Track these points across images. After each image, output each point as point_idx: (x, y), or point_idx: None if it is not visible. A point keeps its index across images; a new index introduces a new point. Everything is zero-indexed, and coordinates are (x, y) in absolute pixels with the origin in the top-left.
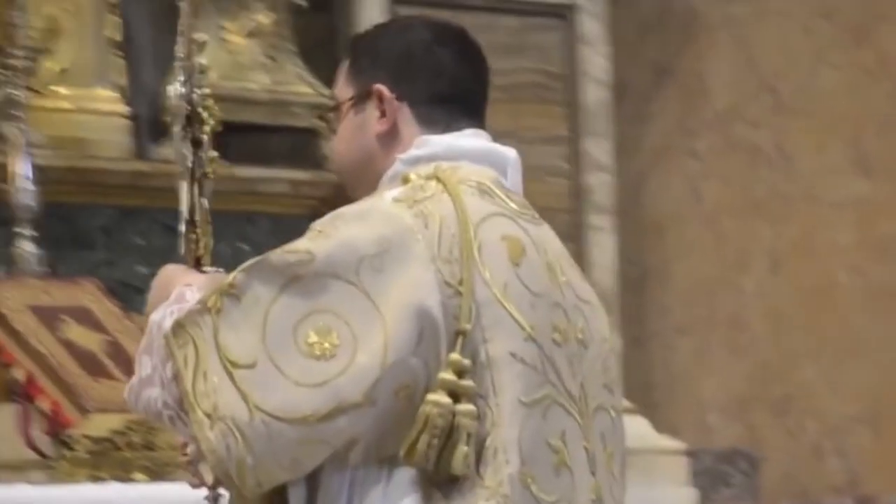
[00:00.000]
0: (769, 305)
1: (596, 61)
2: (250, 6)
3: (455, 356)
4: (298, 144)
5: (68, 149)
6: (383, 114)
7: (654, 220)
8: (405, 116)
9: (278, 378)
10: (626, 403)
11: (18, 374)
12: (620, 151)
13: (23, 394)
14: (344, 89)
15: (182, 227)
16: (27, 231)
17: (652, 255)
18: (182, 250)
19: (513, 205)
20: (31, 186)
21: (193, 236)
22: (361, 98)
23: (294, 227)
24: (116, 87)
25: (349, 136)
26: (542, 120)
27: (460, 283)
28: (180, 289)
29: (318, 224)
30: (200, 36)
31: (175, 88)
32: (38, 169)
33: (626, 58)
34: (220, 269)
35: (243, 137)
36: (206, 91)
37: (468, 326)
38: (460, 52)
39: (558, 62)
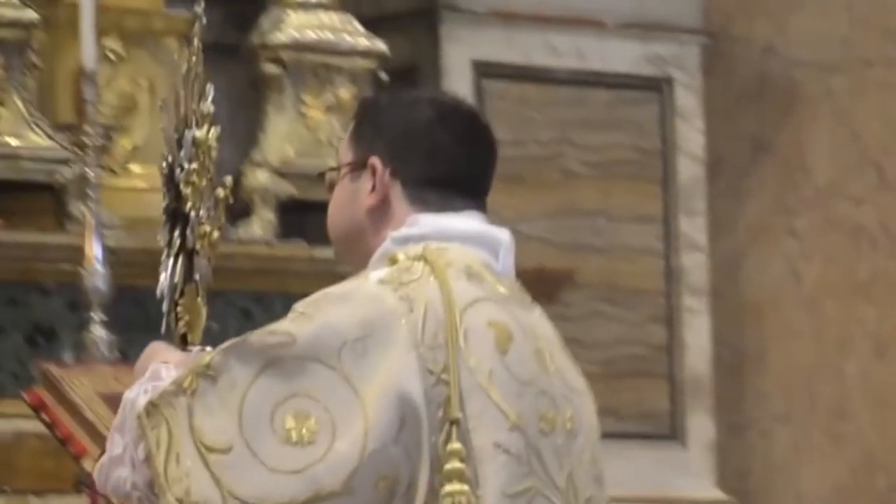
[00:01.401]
0: (873, 392)
1: (691, 136)
2: (331, 80)
3: (455, 446)
4: None
5: (141, 229)
6: (374, 188)
7: (751, 301)
8: (397, 194)
9: (254, 464)
10: (721, 494)
11: (88, 466)
12: (716, 230)
13: (92, 485)
14: (345, 152)
15: (165, 305)
16: (98, 315)
17: (749, 339)
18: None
19: (502, 289)
20: (102, 269)
21: (175, 314)
22: (357, 166)
23: None
24: None
25: (342, 203)
26: (635, 197)
27: (443, 370)
28: (156, 366)
29: (300, 305)
30: (206, 107)
31: (161, 164)
32: (109, 251)
33: (721, 131)
34: (207, 348)
35: (323, 217)
36: (194, 167)
37: (459, 415)
38: (463, 133)
39: (652, 137)
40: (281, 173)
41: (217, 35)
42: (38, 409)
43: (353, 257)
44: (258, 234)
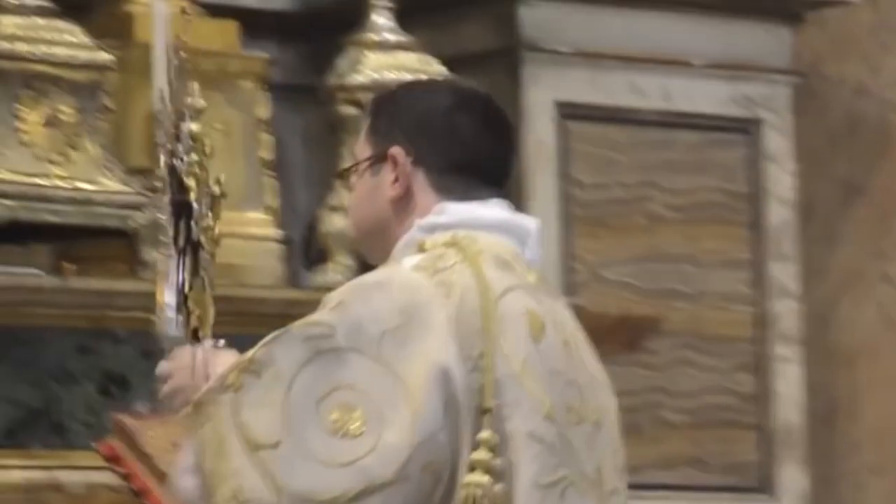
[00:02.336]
0: None
1: (781, 179)
2: None
3: (487, 434)
4: None
5: (217, 276)
6: (397, 178)
7: (845, 350)
8: (420, 182)
9: (303, 458)
10: None
11: None
12: (808, 276)
13: None
14: (363, 148)
15: (173, 301)
16: None
17: (842, 389)
18: (171, 327)
19: (531, 278)
20: (175, 316)
21: (186, 308)
22: (377, 160)
23: None
24: (268, 209)
25: (363, 198)
26: (723, 242)
27: (480, 357)
28: (221, 374)
29: (336, 294)
30: (198, 102)
31: (162, 157)
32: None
33: (813, 174)
34: (220, 342)
35: None
36: (194, 159)
37: (492, 404)
38: (482, 119)
39: (740, 180)
40: None
41: (293, 76)
42: (111, 460)
43: (377, 251)
44: (336, 279)
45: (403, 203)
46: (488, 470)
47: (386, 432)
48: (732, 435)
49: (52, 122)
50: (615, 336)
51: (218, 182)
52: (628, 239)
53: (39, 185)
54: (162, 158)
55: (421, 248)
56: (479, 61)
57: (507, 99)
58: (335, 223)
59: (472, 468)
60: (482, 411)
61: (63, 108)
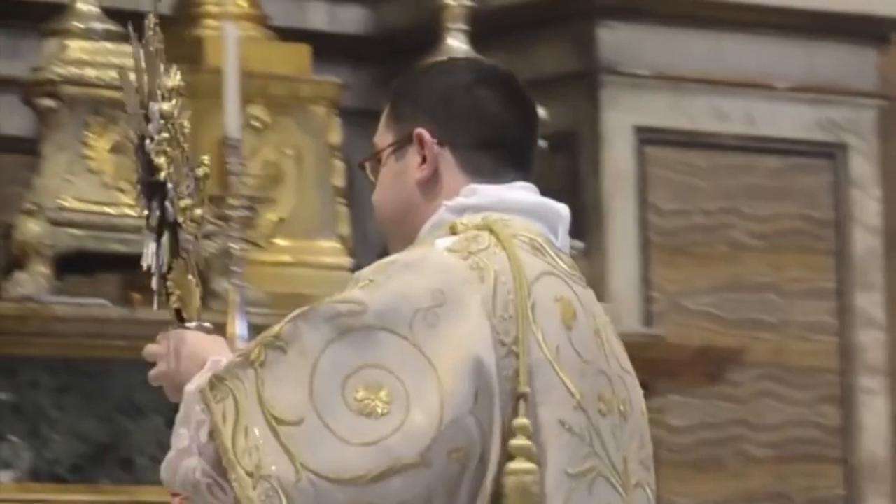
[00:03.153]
0: None
1: (867, 205)
2: None
3: (524, 421)
4: None
5: (288, 306)
6: (424, 159)
7: None
8: (447, 162)
9: (326, 436)
10: None
11: None
12: (894, 305)
13: None
14: (384, 136)
15: (154, 282)
16: None
17: None
18: (156, 305)
19: (563, 264)
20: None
21: (166, 289)
22: (401, 143)
23: None
24: (340, 238)
25: (389, 184)
26: (807, 271)
27: (514, 342)
28: (215, 358)
29: (367, 272)
30: (172, 80)
31: (132, 138)
32: (255, 329)
33: None
34: (206, 324)
35: None
36: (164, 136)
37: (527, 390)
38: (506, 95)
39: (825, 206)
40: None
41: (365, 101)
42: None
43: (402, 236)
44: None
45: (431, 184)
46: (530, 457)
47: (412, 413)
48: (817, 469)
49: (120, 149)
50: (696, 368)
51: (203, 164)
52: (709, 267)
53: (107, 214)
54: (134, 141)
55: (452, 230)
56: (557, 85)
57: (586, 124)
58: None
59: (511, 456)
60: (517, 396)
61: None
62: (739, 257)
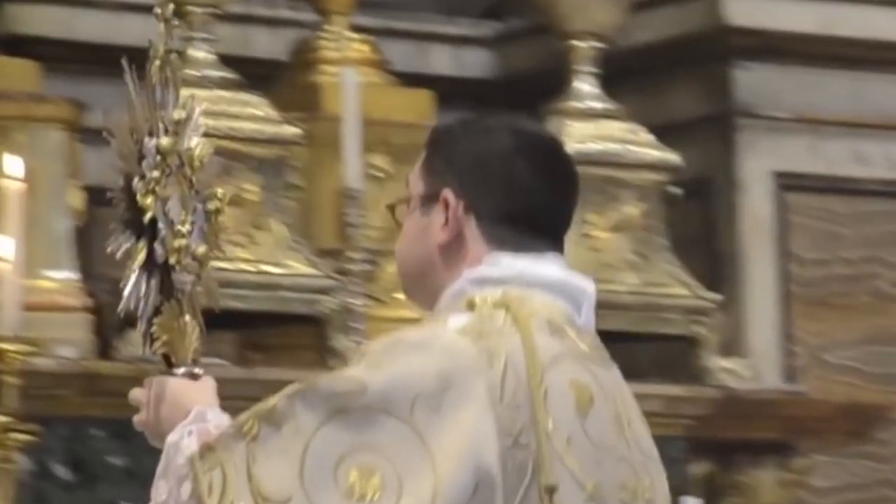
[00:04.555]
0: None
1: None
2: (617, 196)
3: None
4: (672, 355)
5: None
6: (447, 222)
7: None
8: (471, 230)
9: None
10: None
11: None
12: None
13: None
14: (416, 183)
15: (142, 325)
16: None
17: None
18: (143, 349)
19: (583, 346)
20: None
21: (150, 334)
22: (430, 199)
23: (665, 449)
24: None
25: (412, 237)
26: None
27: (521, 432)
28: (200, 408)
29: (373, 349)
30: (178, 114)
31: (116, 170)
32: None
33: None
34: (196, 369)
35: (608, 348)
36: (154, 175)
37: (555, 483)
38: (543, 166)
39: None
40: None
41: None
42: None
43: (422, 294)
44: None
45: (453, 250)
46: None
47: (403, 501)
48: None
49: (235, 202)
50: (839, 425)
51: (217, 197)
52: (852, 319)
53: (223, 269)
54: (119, 183)
55: (470, 304)
56: (690, 129)
57: (721, 170)
58: None
59: None
60: (546, 490)
61: (247, 186)
62: (884, 308)
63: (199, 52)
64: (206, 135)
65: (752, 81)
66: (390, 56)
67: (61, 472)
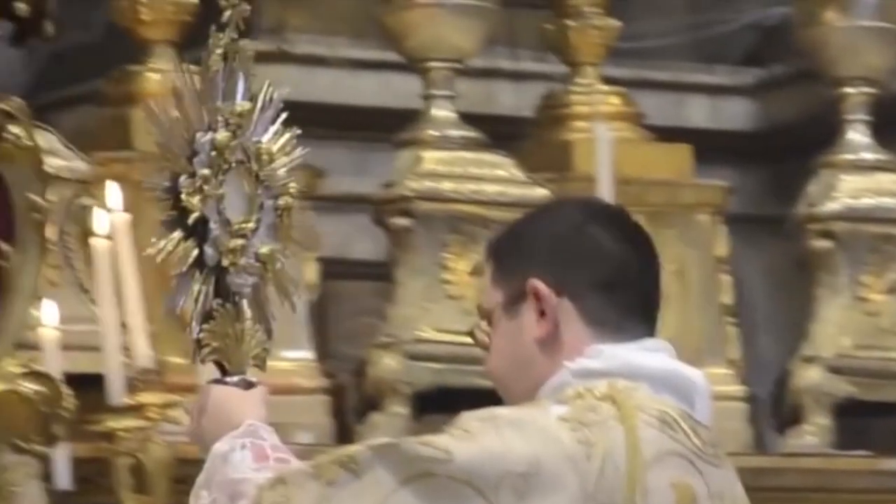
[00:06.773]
0: None
1: None
2: (894, 255)
3: None
4: None
5: None
6: (542, 313)
7: None
8: (567, 313)
9: None
10: None
11: None
12: None
13: None
14: (491, 295)
15: (195, 328)
16: None
17: None
18: (193, 357)
19: (696, 441)
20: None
21: (199, 340)
22: (514, 300)
23: None
24: (730, 362)
25: (504, 347)
26: None
27: None
28: (253, 423)
29: (465, 421)
30: (242, 105)
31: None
32: None
33: None
34: (253, 378)
35: (885, 422)
36: (204, 172)
37: None
38: (620, 233)
39: None
40: (836, 369)
41: (753, 206)
42: None
43: (519, 395)
44: (811, 442)
45: (552, 340)
46: None
47: None
48: None
49: (477, 272)
50: None
51: (287, 192)
52: None
53: (470, 345)
54: (164, 183)
55: (576, 395)
56: None
57: None
58: (810, 376)
59: None
60: None
61: None
62: None
63: (440, 111)
64: (449, 199)
65: None
66: (644, 108)
67: None
